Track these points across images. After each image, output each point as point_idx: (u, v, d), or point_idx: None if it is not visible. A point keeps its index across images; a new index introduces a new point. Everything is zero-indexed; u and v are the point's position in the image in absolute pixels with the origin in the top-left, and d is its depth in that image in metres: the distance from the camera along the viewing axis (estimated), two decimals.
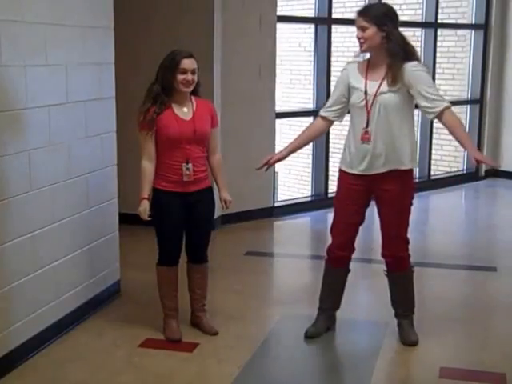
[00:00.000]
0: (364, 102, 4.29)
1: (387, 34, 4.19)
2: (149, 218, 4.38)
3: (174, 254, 4.60)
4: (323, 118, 4.54)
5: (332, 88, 4.75)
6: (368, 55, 4.42)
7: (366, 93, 4.28)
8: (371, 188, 4.41)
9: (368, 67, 4.34)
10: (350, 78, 4.37)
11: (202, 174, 4.52)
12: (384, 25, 4.19)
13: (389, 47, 4.21)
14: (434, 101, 4.21)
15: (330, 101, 4.51)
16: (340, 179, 4.52)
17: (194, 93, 4.52)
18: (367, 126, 4.29)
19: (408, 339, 4.54)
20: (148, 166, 4.44)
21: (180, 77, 4.35)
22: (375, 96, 4.25)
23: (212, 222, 4.74)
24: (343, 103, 4.44)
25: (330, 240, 4.65)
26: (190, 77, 4.37)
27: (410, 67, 4.22)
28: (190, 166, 4.41)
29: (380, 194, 4.41)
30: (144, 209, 4.36)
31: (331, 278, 4.69)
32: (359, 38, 4.25)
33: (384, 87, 4.23)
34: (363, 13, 4.24)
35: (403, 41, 4.26)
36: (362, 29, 4.22)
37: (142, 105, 4.43)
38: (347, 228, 4.52)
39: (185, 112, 4.46)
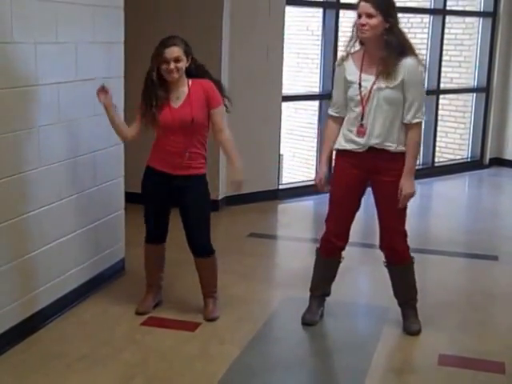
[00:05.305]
0: (359, 97, 4.23)
1: (390, 26, 4.11)
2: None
3: (153, 232, 4.68)
4: (333, 117, 4.44)
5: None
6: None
7: (360, 86, 4.22)
8: (367, 177, 4.34)
9: (363, 59, 4.24)
10: (345, 72, 4.29)
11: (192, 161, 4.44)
12: (390, 16, 4.11)
13: (388, 39, 4.11)
14: (411, 108, 4.18)
15: (334, 99, 4.41)
16: (336, 163, 4.44)
17: (197, 75, 4.44)
18: (362, 120, 4.25)
19: (409, 329, 4.55)
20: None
21: (163, 66, 4.30)
22: (371, 91, 4.19)
23: (203, 211, 4.56)
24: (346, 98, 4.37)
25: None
26: (172, 66, 4.29)
27: (408, 65, 4.14)
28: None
29: (376, 185, 4.36)
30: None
31: (324, 269, 4.65)
32: (363, 25, 4.11)
33: (381, 83, 4.16)
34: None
35: (403, 36, 4.20)
36: (369, 16, 4.09)
37: (143, 92, 4.42)
38: (346, 216, 4.45)
39: (176, 100, 4.40)
